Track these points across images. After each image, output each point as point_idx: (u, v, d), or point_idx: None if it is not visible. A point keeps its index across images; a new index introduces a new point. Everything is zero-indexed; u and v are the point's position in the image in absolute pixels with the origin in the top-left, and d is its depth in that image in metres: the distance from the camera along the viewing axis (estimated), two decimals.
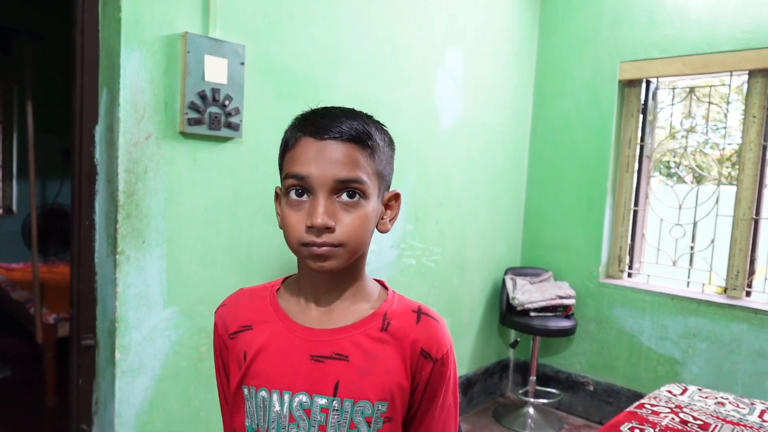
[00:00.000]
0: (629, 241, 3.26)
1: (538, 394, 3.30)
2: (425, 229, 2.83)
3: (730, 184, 2.98)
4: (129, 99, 1.65)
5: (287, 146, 0.83)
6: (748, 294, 2.85)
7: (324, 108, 0.84)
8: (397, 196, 0.90)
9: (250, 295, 0.91)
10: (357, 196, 0.79)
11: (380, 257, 2.61)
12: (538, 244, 3.49)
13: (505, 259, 3.45)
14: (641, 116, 3.20)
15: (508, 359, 3.61)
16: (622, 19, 3.09)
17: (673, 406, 1.72)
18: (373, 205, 0.82)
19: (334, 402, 0.79)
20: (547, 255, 3.44)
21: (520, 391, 3.36)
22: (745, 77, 2.82)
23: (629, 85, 3.18)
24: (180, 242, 1.82)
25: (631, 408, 1.71)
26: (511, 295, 3.17)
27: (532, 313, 3.11)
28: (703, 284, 2.99)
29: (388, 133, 0.89)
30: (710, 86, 3.01)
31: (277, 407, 0.81)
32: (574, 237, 3.33)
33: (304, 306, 0.86)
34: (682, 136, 3.14)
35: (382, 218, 0.88)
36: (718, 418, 1.63)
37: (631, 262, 3.28)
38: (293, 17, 2.09)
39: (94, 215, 1.75)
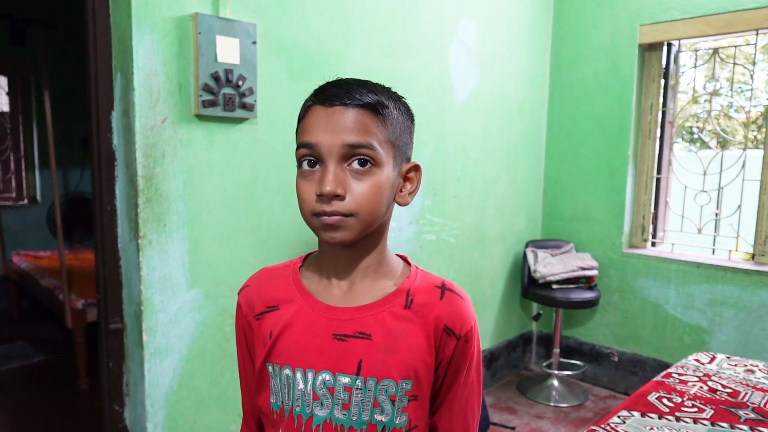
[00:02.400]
0: (652, 210, 3.19)
1: (562, 366, 3.30)
2: (444, 204, 2.80)
3: (756, 147, 2.89)
4: (143, 83, 1.65)
5: (300, 118, 0.82)
6: None
7: (339, 79, 0.82)
8: (416, 168, 0.86)
9: (273, 275, 0.90)
10: (368, 164, 0.76)
11: (400, 234, 2.60)
12: (558, 215, 3.45)
13: (526, 232, 3.42)
14: (662, 81, 3.10)
15: (531, 332, 3.60)
16: None
17: (701, 374, 1.70)
18: (387, 175, 0.78)
19: (357, 381, 0.79)
20: (568, 226, 3.40)
21: (544, 364, 3.36)
22: None
23: (649, 48, 3.08)
24: (200, 224, 1.83)
25: (658, 377, 1.69)
26: (532, 267, 3.15)
27: (554, 286, 3.09)
28: (730, 251, 2.93)
29: (405, 104, 0.87)
30: (735, 46, 2.90)
31: (301, 385, 0.81)
32: (595, 207, 3.27)
33: (326, 284, 0.85)
34: (706, 100, 3.05)
35: (401, 190, 0.84)
36: (747, 385, 1.60)
37: (654, 231, 3.22)
38: None
39: (115, 201, 1.77)
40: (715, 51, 2.96)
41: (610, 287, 3.22)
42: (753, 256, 2.85)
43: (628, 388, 3.20)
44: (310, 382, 0.80)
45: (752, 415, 1.42)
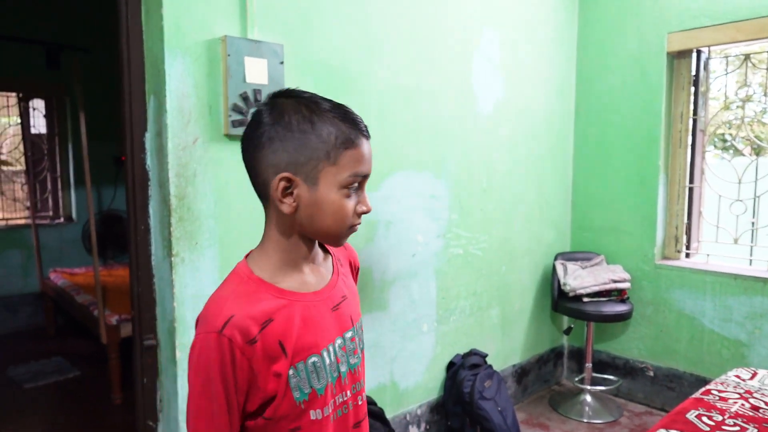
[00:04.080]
0: (686, 220, 3.12)
1: (594, 381, 3.22)
2: (470, 217, 2.79)
3: None
4: (175, 105, 1.69)
5: (347, 146, 0.89)
6: None
7: (340, 104, 0.92)
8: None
9: (244, 296, 0.89)
10: None
11: (427, 248, 2.60)
12: (588, 227, 3.40)
13: (555, 244, 3.38)
14: (693, 88, 3.05)
15: (562, 346, 3.54)
16: None
17: (742, 391, 1.64)
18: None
19: (354, 328, 1.00)
20: (598, 238, 3.34)
21: (576, 379, 3.29)
22: None
23: (678, 56, 3.03)
24: (231, 242, 1.86)
25: (696, 394, 1.64)
26: (562, 280, 3.10)
27: (585, 299, 3.04)
28: None
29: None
30: (767, 51, 2.83)
31: (328, 360, 0.94)
32: (626, 218, 3.21)
33: (299, 277, 0.95)
34: (738, 107, 2.98)
35: None
36: None
37: (688, 241, 3.14)
38: (327, 12, 2.09)
39: (148, 219, 1.81)
40: (747, 57, 2.90)
41: (643, 300, 3.15)
42: None
43: (665, 404, 3.11)
44: (332, 353, 0.95)
45: None
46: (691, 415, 1.45)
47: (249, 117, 1.81)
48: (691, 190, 3.11)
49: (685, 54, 3.01)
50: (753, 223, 2.90)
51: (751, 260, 2.92)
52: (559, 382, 3.53)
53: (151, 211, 1.81)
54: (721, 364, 2.88)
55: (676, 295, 3.03)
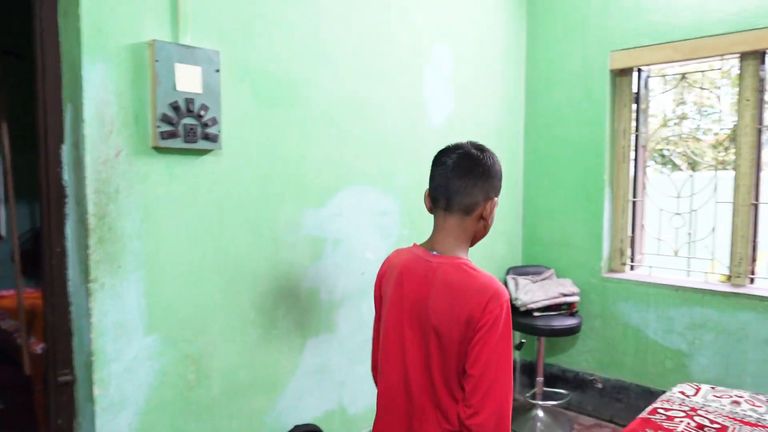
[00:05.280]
0: (630, 233, 3.17)
1: (546, 396, 3.20)
2: (422, 233, 2.72)
3: (724, 169, 2.90)
4: (94, 113, 1.53)
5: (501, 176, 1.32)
6: (752, 281, 2.77)
7: None
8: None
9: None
10: None
11: (377, 265, 2.50)
12: (538, 241, 3.40)
13: (506, 258, 3.36)
14: (634, 105, 3.11)
15: (513, 361, 3.50)
16: (610, 7, 3.00)
17: (687, 408, 1.62)
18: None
19: None
20: (547, 252, 3.35)
21: (528, 394, 3.26)
22: (735, 61, 2.74)
23: (621, 74, 3.09)
24: (160, 264, 1.71)
25: (644, 414, 1.61)
26: (513, 295, 3.07)
27: (536, 313, 3.02)
28: (706, 273, 2.91)
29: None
30: (701, 72, 2.93)
31: None
32: (573, 232, 3.24)
33: None
34: (675, 123, 3.07)
35: None
36: (735, 419, 1.54)
37: (632, 254, 3.19)
38: (269, 18, 1.98)
39: (65, 241, 1.63)
40: (683, 76, 2.99)
41: (591, 313, 3.16)
42: (729, 278, 2.83)
43: (614, 416, 3.13)
44: None
45: None
46: None
47: (181, 128, 1.67)
48: (634, 203, 3.16)
49: (626, 72, 3.08)
50: (689, 234, 2.96)
51: (688, 272, 2.99)
52: None
53: (68, 231, 1.63)
54: (664, 374, 2.92)
55: (621, 308, 3.06)
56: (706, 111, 3.10)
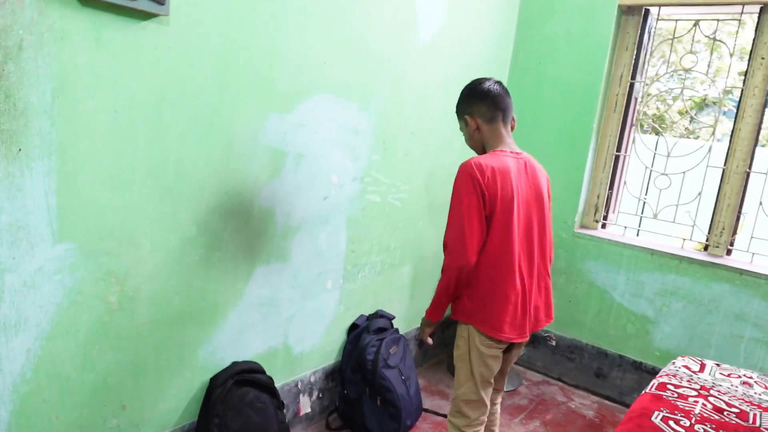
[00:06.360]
0: (608, 190, 2.99)
1: None
2: (393, 161, 2.41)
3: (717, 139, 2.73)
4: None
5: None
6: (729, 252, 2.67)
7: None
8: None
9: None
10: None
11: (341, 191, 2.19)
12: None
13: None
14: (635, 51, 2.85)
15: None
16: None
17: (698, 387, 1.46)
18: (461, 124, 1.76)
19: None
20: None
21: None
22: (756, 13, 2.51)
23: (628, 12, 2.80)
24: (77, 155, 1.32)
25: (652, 389, 1.44)
26: None
27: None
28: (684, 240, 2.78)
29: (466, 87, 1.72)
30: (717, 20, 2.68)
31: None
32: (551, 181, 3.01)
33: None
34: (680, 78, 2.84)
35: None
36: (752, 404, 1.39)
37: (606, 212, 3.03)
38: None
39: None
40: (696, 23, 2.73)
41: (556, 268, 3.01)
42: (706, 247, 2.72)
43: (562, 375, 3.05)
44: None
45: None
46: (657, 419, 1.24)
47: None
48: (616, 158, 2.97)
49: (634, 11, 2.79)
50: (659, 192, 2.81)
51: (666, 236, 2.86)
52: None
53: None
54: (624, 338, 2.84)
55: (590, 266, 2.92)
56: (706, 71, 2.88)
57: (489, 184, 1.53)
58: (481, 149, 1.70)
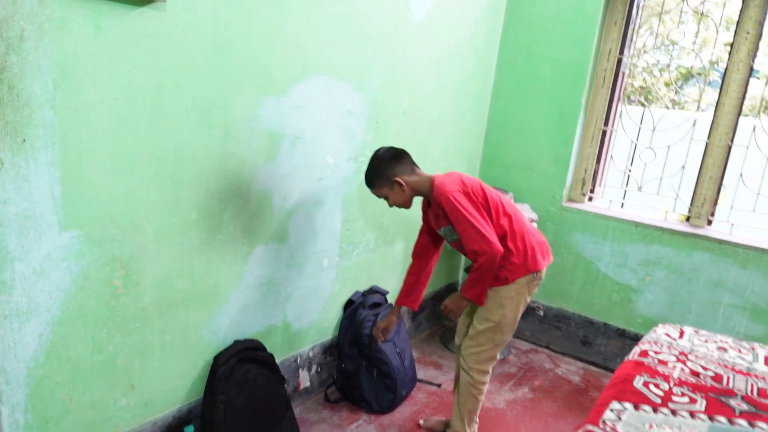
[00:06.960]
0: (594, 164, 3.05)
1: None
2: (386, 140, 2.44)
3: (681, 108, 2.79)
4: None
5: None
6: (710, 223, 2.77)
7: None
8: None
9: None
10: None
11: (336, 171, 2.21)
12: (499, 162, 3.22)
13: None
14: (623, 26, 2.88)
15: (456, 282, 3.44)
16: None
17: (677, 353, 1.56)
18: (387, 191, 1.94)
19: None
20: (508, 174, 3.19)
21: None
22: None
23: None
24: (80, 144, 1.33)
25: (634, 356, 1.53)
26: None
27: None
28: (666, 212, 2.87)
29: (375, 160, 1.92)
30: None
31: None
32: (540, 156, 3.07)
33: None
34: (666, 51, 2.88)
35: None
36: (726, 367, 1.49)
37: (593, 185, 3.10)
38: None
39: None
40: None
41: None
42: (688, 219, 2.82)
43: (550, 343, 3.17)
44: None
45: (745, 407, 1.29)
46: (638, 383, 1.32)
47: None
48: (603, 132, 3.02)
49: None
50: (639, 161, 2.88)
51: (650, 208, 2.95)
52: (450, 319, 3.46)
53: None
54: (610, 307, 2.95)
55: (576, 239, 3.01)
56: (692, 45, 2.93)
57: (469, 186, 1.85)
58: (411, 199, 1.94)
